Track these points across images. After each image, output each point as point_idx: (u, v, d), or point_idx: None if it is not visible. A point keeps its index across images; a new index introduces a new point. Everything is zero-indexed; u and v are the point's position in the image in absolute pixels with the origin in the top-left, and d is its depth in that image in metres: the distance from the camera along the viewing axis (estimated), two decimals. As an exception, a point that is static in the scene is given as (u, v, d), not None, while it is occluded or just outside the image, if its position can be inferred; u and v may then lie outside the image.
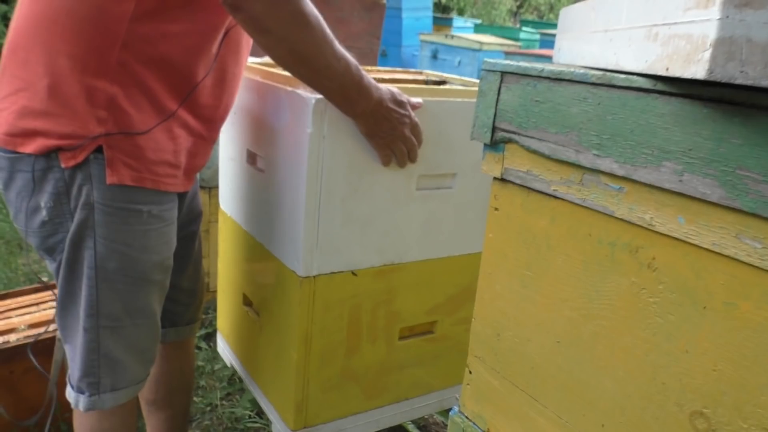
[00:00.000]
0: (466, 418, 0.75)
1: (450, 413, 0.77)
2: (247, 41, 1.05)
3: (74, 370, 0.98)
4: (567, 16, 0.85)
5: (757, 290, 0.46)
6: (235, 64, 1.02)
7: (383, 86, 0.98)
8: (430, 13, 6.88)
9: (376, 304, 1.15)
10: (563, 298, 0.61)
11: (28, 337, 1.41)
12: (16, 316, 1.50)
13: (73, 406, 0.99)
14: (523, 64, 0.62)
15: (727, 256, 0.47)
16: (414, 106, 1.03)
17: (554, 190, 0.61)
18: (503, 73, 0.64)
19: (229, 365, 1.45)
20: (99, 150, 0.87)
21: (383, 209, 1.10)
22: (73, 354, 0.97)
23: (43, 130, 0.85)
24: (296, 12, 0.83)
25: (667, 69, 0.45)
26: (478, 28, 7.66)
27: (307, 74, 0.90)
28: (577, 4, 0.79)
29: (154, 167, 0.91)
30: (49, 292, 1.63)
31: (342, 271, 1.09)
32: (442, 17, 7.98)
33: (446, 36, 5.65)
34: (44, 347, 1.40)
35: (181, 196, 1.05)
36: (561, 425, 0.63)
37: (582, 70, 0.57)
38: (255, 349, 1.29)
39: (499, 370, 0.70)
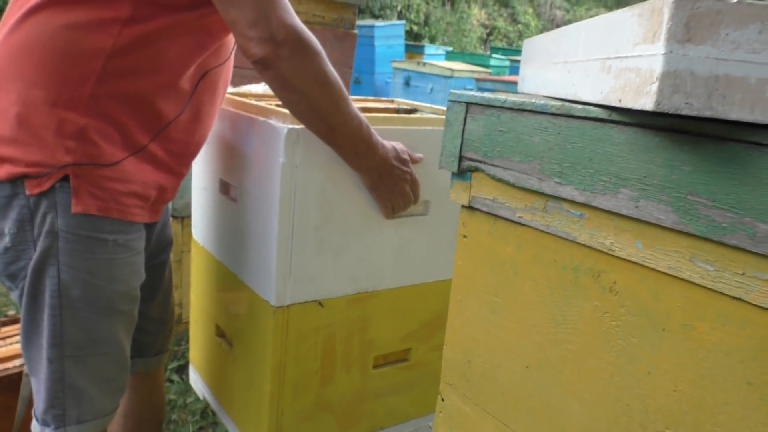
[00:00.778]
0: (440, 445, 0.75)
1: (423, 441, 0.77)
2: (224, 82, 1.07)
3: (39, 402, 0.96)
4: (530, 46, 0.88)
5: (711, 311, 0.47)
6: (210, 103, 1.03)
7: (388, 143, 1.04)
8: (402, 41, 7.01)
9: (350, 332, 1.15)
10: (531, 323, 0.63)
11: (-7, 373, 1.37)
12: (-19, 352, 1.46)
13: None
14: (488, 95, 0.65)
15: (683, 279, 0.49)
16: (414, 160, 1.09)
17: (519, 217, 0.63)
18: (468, 104, 0.66)
19: (201, 398, 1.43)
20: (65, 178, 0.87)
21: (356, 237, 1.11)
22: (38, 386, 0.95)
23: (10, 157, 0.85)
24: (319, 72, 0.89)
25: (620, 101, 0.48)
26: (449, 56, 7.80)
27: (324, 130, 0.95)
28: (539, 36, 0.82)
29: (121, 198, 0.91)
30: (16, 326, 1.60)
31: (314, 300, 1.09)
32: (414, 45, 8.11)
33: (418, 63, 5.75)
34: (11, 383, 1.36)
35: (150, 226, 1.05)
36: (532, 450, 0.63)
37: (542, 101, 0.59)
38: (228, 380, 1.27)
39: (471, 396, 0.70)
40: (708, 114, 0.42)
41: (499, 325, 0.66)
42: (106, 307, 0.94)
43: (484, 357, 0.68)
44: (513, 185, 0.62)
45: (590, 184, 0.54)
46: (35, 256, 0.89)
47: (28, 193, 0.86)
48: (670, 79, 0.41)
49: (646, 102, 0.43)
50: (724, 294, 0.46)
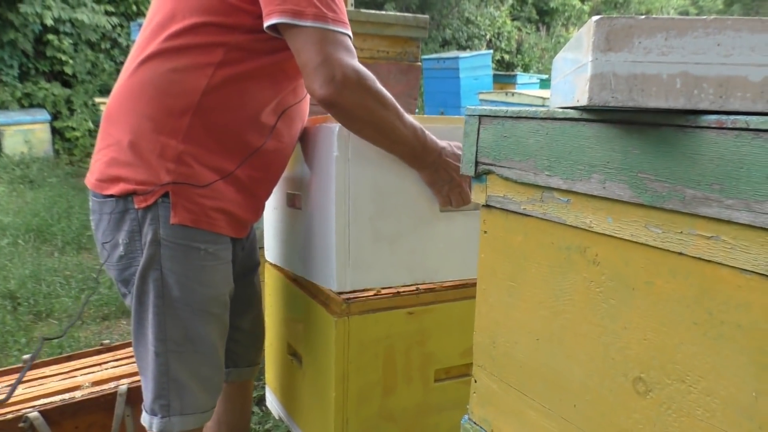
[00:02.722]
0: (475, 423, 0.91)
1: (461, 421, 0.93)
2: (301, 119, 1.35)
3: (147, 394, 1.21)
4: (555, 63, 1.06)
5: (664, 268, 0.63)
6: (289, 135, 1.30)
7: (443, 142, 1.26)
8: (489, 72, 7.23)
9: (409, 345, 1.33)
10: (538, 301, 0.79)
11: (92, 393, 1.66)
12: (81, 375, 1.76)
13: (147, 429, 1.22)
14: (494, 108, 0.83)
15: (642, 244, 0.64)
16: None
17: (524, 209, 0.80)
18: (481, 116, 0.85)
19: (277, 417, 1.64)
20: (166, 195, 1.14)
21: (410, 229, 1.31)
22: (146, 381, 1.21)
23: (124, 176, 1.14)
24: (376, 98, 1.14)
25: (578, 101, 0.65)
26: (543, 84, 7.93)
27: (387, 143, 1.20)
28: (558, 55, 1.00)
29: (210, 212, 1.18)
30: (111, 354, 1.90)
31: (374, 288, 1.29)
32: (504, 74, 8.32)
33: (507, 94, 5.93)
34: (107, 402, 1.64)
35: (236, 242, 1.30)
36: (545, 413, 0.79)
37: (534, 109, 0.77)
38: (298, 395, 1.48)
39: (496, 374, 0.87)
40: (631, 105, 0.59)
41: (514, 306, 0.83)
42: (200, 309, 1.19)
43: (505, 336, 0.85)
44: (516, 182, 0.80)
45: (571, 173, 0.71)
46: (142, 263, 1.15)
47: (136, 207, 1.14)
48: (597, 79, 0.59)
49: (584, 99, 0.61)
50: (671, 251, 0.62)
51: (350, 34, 1.12)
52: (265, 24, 1.08)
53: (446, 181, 1.28)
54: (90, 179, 1.20)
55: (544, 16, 13.86)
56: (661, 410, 0.65)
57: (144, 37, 1.18)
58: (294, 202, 1.45)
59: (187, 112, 1.14)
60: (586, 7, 14.71)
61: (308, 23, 1.06)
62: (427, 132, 1.23)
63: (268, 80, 1.19)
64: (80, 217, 4.76)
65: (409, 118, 1.20)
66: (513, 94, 5.90)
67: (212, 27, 1.12)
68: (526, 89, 6.93)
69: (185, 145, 1.14)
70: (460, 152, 1.25)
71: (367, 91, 1.12)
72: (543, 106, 5.47)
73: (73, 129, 7.35)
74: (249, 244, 1.41)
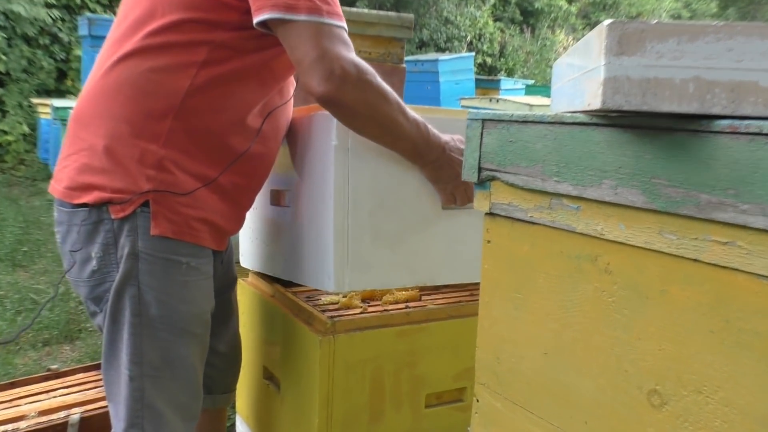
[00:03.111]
0: (476, 446, 0.95)
1: (462, 444, 0.98)
2: (286, 121, 1.39)
3: (118, 423, 1.22)
4: (556, 69, 1.12)
5: (680, 275, 0.68)
6: (274, 139, 1.35)
7: (446, 136, 1.31)
8: (471, 76, 7.36)
9: (398, 366, 1.38)
10: (546, 313, 0.84)
11: (39, 423, 1.66)
12: (26, 404, 1.76)
13: None
14: (499, 111, 0.89)
15: (656, 251, 0.70)
16: None
17: (531, 216, 0.85)
18: (484, 120, 0.91)
19: (249, 450, 1.66)
20: (145, 204, 1.16)
21: (411, 227, 1.35)
22: (116, 409, 1.22)
23: (98, 184, 1.16)
24: (378, 93, 1.18)
25: (589, 104, 0.71)
26: (529, 89, 8.10)
27: (389, 140, 1.25)
28: (559, 59, 1.07)
29: (193, 223, 1.21)
30: (59, 381, 1.90)
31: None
32: (487, 79, 8.47)
33: (490, 100, 6.04)
34: (57, 434, 1.65)
35: (216, 255, 1.33)
36: (553, 431, 0.83)
37: (541, 113, 0.83)
38: (274, 422, 1.51)
39: (501, 392, 0.91)
40: (644, 108, 0.64)
41: (520, 319, 0.88)
42: (181, 327, 1.22)
43: (510, 351, 0.90)
44: (522, 188, 0.85)
45: (581, 179, 0.77)
46: (117, 278, 1.17)
47: (113, 217, 1.16)
48: (610, 83, 0.65)
49: (597, 103, 0.66)
50: (686, 258, 0.67)
51: (346, 27, 1.17)
52: (255, 20, 1.12)
53: (451, 178, 1.32)
54: (56, 187, 1.22)
55: (529, 18, 14.15)
56: (677, 423, 0.70)
57: (118, 34, 1.21)
58: (279, 199, 1.48)
59: (168, 114, 1.17)
60: (573, 9, 15.06)
61: (302, 17, 1.10)
62: (429, 126, 1.27)
63: (254, 80, 1.23)
64: (14, 230, 4.71)
65: (412, 112, 1.24)
66: (498, 100, 6.01)
67: (195, 24, 1.16)
68: (511, 95, 7.07)
69: (166, 150, 1.17)
70: (462, 146, 1.31)
71: (368, 85, 1.16)
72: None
73: (5, 133, 7.26)
74: (227, 257, 1.44)
